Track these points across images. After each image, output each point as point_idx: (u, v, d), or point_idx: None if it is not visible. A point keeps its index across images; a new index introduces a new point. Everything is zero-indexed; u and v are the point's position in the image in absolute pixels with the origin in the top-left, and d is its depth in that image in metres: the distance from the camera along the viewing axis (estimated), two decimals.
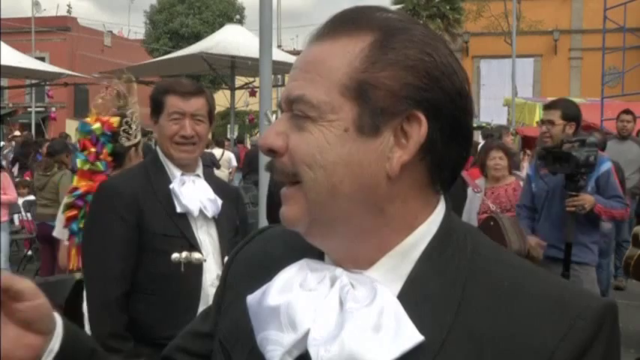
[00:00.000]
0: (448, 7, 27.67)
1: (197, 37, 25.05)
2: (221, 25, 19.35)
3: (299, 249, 0.90)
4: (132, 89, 3.40)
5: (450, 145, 0.83)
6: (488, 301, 0.80)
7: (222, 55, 12.92)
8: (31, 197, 8.67)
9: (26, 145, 13.42)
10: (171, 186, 2.33)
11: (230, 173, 13.48)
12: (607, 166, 4.13)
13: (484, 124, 16.89)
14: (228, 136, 17.55)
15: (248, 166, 12.45)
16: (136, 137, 3.38)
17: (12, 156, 14.13)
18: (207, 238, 2.40)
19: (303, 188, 0.82)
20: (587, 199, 3.96)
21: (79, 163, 3.49)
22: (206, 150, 11.82)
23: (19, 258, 8.99)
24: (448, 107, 0.82)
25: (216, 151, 13.16)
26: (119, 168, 3.29)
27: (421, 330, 0.78)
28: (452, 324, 0.79)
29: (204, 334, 1.02)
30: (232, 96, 14.95)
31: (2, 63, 13.03)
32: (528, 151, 11.02)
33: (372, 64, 0.80)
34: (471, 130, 0.86)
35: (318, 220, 0.83)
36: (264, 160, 0.88)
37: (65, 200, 3.55)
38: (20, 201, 8.64)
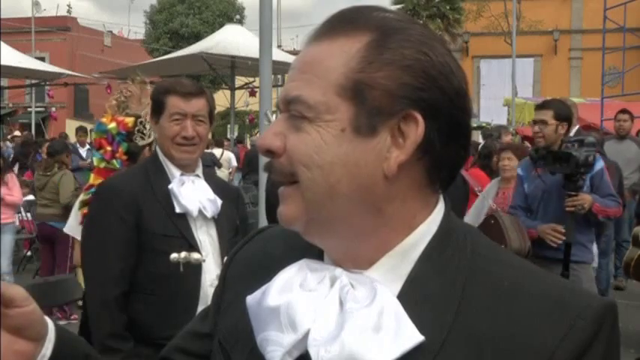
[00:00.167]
0: (448, 7, 27.67)
1: (197, 37, 25.04)
2: (221, 25, 19.34)
3: (299, 249, 0.90)
4: (145, 91, 3.51)
5: (448, 144, 0.83)
6: (488, 301, 0.80)
7: (222, 55, 12.92)
8: (31, 197, 8.66)
9: (26, 145, 13.42)
10: (170, 186, 2.33)
11: (230, 173, 13.49)
12: (600, 164, 4.16)
13: (484, 124, 16.90)
14: (228, 136, 17.55)
15: (248, 166, 12.44)
16: (150, 137, 3.48)
17: (12, 156, 14.12)
18: (207, 239, 2.40)
19: (301, 188, 0.82)
20: (586, 199, 3.97)
21: (95, 161, 3.69)
22: (206, 150, 11.84)
23: (19, 258, 8.98)
24: (445, 107, 0.81)
25: (216, 151, 13.16)
26: None
27: (421, 330, 0.78)
28: (452, 324, 0.79)
29: (204, 334, 1.02)
30: (232, 96, 14.95)
31: (2, 63, 13.05)
32: None
33: (368, 64, 0.80)
34: (470, 130, 0.86)
35: (315, 220, 0.83)
36: (263, 160, 0.88)
37: (81, 197, 3.77)
38: None
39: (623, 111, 7.93)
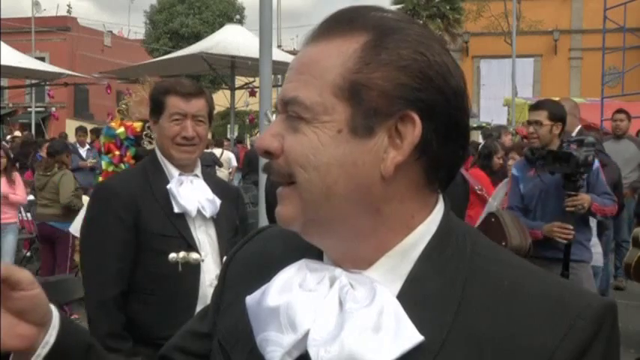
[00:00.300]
0: (448, 7, 27.67)
1: (197, 37, 25.03)
2: (221, 25, 19.33)
3: (298, 249, 0.90)
4: None
5: (446, 144, 0.83)
6: (488, 301, 0.80)
7: (222, 55, 12.91)
8: (31, 197, 8.66)
9: (26, 145, 13.41)
10: (168, 186, 2.32)
11: (230, 173, 13.50)
12: (595, 163, 4.17)
13: (484, 124, 16.90)
14: (228, 136, 17.55)
15: (248, 166, 12.46)
16: None
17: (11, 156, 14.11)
18: (206, 238, 2.39)
19: (298, 189, 0.83)
20: (585, 199, 3.97)
21: (104, 165, 3.81)
22: (207, 150, 11.84)
23: (19, 258, 8.98)
24: (443, 107, 0.81)
25: (216, 151, 13.17)
26: None
27: (421, 330, 0.78)
28: (452, 324, 0.79)
29: (203, 334, 1.02)
30: (232, 96, 14.94)
31: (2, 63, 13.05)
32: None
33: (365, 64, 0.80)
34: (468, 129, 0.86)
35: (313, 220, 0.83)
36: (263, 160, 0.88)
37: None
38: None
39: (620, 111, 7.95)
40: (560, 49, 29.60)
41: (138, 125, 3.58)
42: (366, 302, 0.79)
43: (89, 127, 14.14)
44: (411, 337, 0.77)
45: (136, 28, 57.52)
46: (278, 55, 9.16)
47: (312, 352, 0.79)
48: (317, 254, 0.89)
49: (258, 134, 15.72)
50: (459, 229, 0.87)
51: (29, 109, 26.82)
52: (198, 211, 2.35)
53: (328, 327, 0.80)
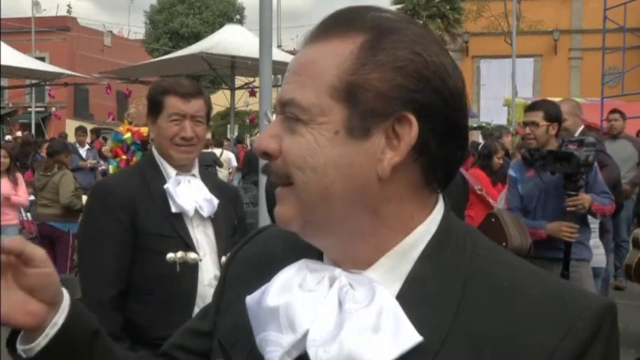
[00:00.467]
0: (448, 7, 27.67)
1: (197, 37, 25.05)
2: (221, 25, 19.35)
3: (298, 249, 0.90)
4: None
5: (445, 145, 0.82)
6: (487, 302, 0.80)
7: (222, 55, 12.92)
8: (31, 197, 8.66)
9: (26, 145, 13.42)
10: (165, 186, 2.32)
11: (230, 173, 13.50)
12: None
13: (484, 124, 16.88)
14: (228, 136, 17.56)
15: (247, 166, 12.47)
16: None
17: None
18: (204, 238, 2.39)
19: (296, 190, 0.83)
20: (586, 199, 3.98)
21: (111, 168, 4.03)
22: (207, 150, 11.85)
23: None
24: (440, 107, 0.81)
25: (216, 151, 13.18)
26: None
27: (421, 330, 0.78)
28: (451, 324, 0.79)
29: (203, 332, 1.02)
30: (232, 96, 14.95)
31: (2, 63, 13.04)
32: None
33: (361, 65, 0.80)
34: (467, 130, 0.86)
35: (311, 221, 0.83)
36: (263, 160, 0.89)
37: None
38: None
39: (614, 111, 7.98)
40: (560, 49, 29.59)
41: (144, 130, 3.67)
42: (366, 302, 0.79)
43: (89, 127, 14.17)
44: (410, 337, 0.77)
45: (136, 28, 57.67)
46: (278, 55, 9.16)
47: (311, 352, 0.79)
48: (317, 254, 0.89)
49: (258, 134, 15.74)
50: (459, 230, 0.87)
51: (29, 109, 26.83)
52: (196, 211, 2.35)
53: (327, 327, 0.80)
